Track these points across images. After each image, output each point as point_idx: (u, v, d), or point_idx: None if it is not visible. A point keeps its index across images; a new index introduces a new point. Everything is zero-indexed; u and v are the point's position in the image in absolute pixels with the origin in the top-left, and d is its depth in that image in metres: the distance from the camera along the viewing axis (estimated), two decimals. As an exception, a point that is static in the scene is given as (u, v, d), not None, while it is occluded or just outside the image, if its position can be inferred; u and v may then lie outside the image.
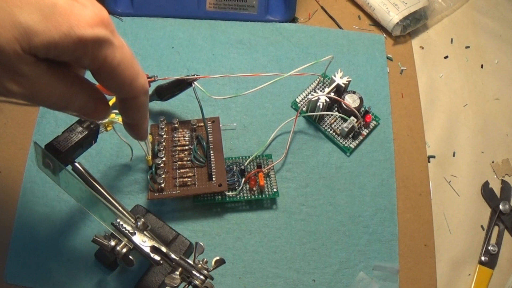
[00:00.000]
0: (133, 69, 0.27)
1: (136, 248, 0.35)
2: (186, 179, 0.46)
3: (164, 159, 0.47)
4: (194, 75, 0.47)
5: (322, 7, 0.62)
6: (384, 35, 0.61)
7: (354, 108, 0.51)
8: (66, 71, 0.26)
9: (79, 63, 0.25)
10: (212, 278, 0.35)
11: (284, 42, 0.59)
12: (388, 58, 0.59)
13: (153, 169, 0.46)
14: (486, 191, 0.51)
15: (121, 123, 0.40)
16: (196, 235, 0.47)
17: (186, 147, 0.48)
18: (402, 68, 0.58)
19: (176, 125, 0.49)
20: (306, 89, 0.55)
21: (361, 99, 0.52)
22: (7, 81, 0.23)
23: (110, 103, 0.39)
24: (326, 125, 0.53)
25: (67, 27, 0.23)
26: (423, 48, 0.61)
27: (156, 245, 0.35)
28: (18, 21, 0.22)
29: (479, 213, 0.51)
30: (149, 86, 0.50)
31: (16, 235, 0.46)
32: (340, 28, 0.61)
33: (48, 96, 0.25)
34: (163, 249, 0.35)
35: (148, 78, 0.50)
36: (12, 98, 0.25)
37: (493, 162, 0.54)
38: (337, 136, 0.52)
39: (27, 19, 0.22)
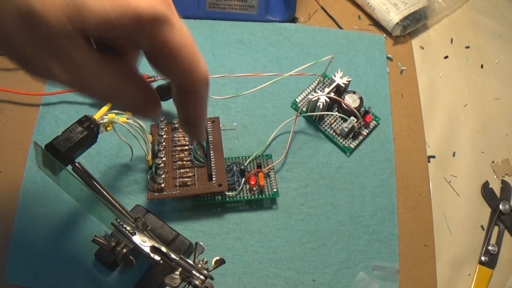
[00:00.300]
0: (195, 55, 0.24)
1: (136, 248, 0.35)
2: (186, 179, 0.46)
3: (164, 159, 0.47)
4: (194, 75, 0.47)
5: (322, 7, 0.62)
6: (384, 35, 0.61)
7: (354, 108, 0.51)
8: (117, 58, 0.24)
9: (135, 45, 0.22)
10: (212, 278, 0.35)
11: (284, 42, 0.59)
12: (388, 58, 0.59)
13: (153, 169, 0.46)
14: (486, 191, 0.51)
15: (121, 123, 0.41)
16: (196, 235, 0.47)
17: (186, 147, 0.48)
18: (402, 68, 0.58)
19: (176, 125, 0.49)
20: (306, 89, 0.55)
21: (361, 99, 0.52)
22: (52, 63, 0.21)
23: (106, 107, 0.39)
24: (326, 125, 0.53)
25: (123, 3, 0.20)
26: (423, 48, 0.61)
27: (156, 245, 0.35)
28: None
29: (479, 213, 0.51)
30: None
31: (16, 235, 0.46)
32: (340, 28, 0.61)
33: (96, 85, 0.23)
34: (163, 249, 0.35)
35: (148, 78, 0.50)
36: (55, 82, 0.22)
37: (493, 162, 0.54)
38: (337, 136, 0.52)
39: None
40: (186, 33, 0.24)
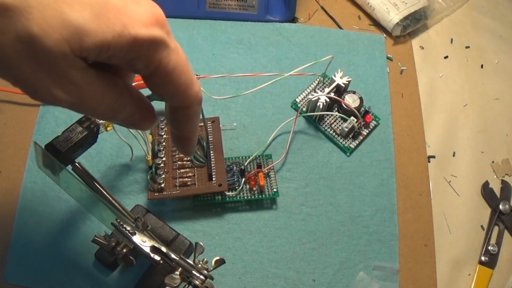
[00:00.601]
0: (188, 75, 0.25)
1: (136, 248, 0.35)
2: (186, 179, 0.46)
3: (164, 159, 0.47)
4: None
5: (322, 7, 0.62)
6: (384, 35, 0.61)
7: (354, 108, 0.51)
8: (115, 78, 0.24)
9: (131, 66, 0.23)
10: (212, 278, 0.35)
11: (284, 42, 0.59)
12: (388, 58, 0.59)
13: (153, 169, 0.46)
14: (486, 191, 0.51)
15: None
16: (196, 235, 0.47)
17: (186, 147, 0.48)
18: (402, 68, 0.58)
19: (176, 125, 0.49)
20: (306, 89, 0.55)
21: (361, 99, 0.52)
22: (54, 88, 0.21)
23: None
24: (326, 125, 0.53)
25: (120, 26, 0.21)
26: (423, 48, 0.61)
27: (156, 245, 0.35)
28: (67, 20, 0.20)
29: (479, 213, 0.51)
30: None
31: (16, 235, 0.46)
32: (340, 28, 0.61)
33: (97, 106, 0.23)
34: (163, 249, 0.35)
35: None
36: (58, 105, 0.23)
37: (493, 162, 0.54)
38: (337, 136, 0.52)
39: (78, 17, 0.20)
40: (181, 53, 0.24)
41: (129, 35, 0.21)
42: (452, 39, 0.62)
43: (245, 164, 0.49)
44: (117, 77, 0.24)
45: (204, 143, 0.48)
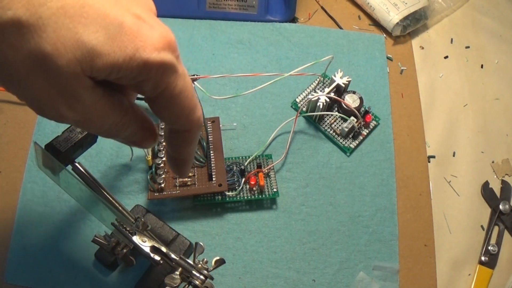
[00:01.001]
0: (193, 100, 0.25)
1: (136, 248, 0.35)
2: (186, 179, 0.46)
3: (164, 159, 0.47)
4: (194, 75, 0.47)
5: (322, 7, 0.62)
6: (384, 35, 0.61)
7: (354, 108, 0.51)
8: (120, 97, 0.24)
9: (139, 88, 0.23)
10: (212, 278, 0.35)
11: (284, 42, 0.59)
12: (388, 58, 0.59)
13: (153, 169, 0.46)
14: (486, 191, 0.51)
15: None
16: (196, 235, 0.47)
17: (186, 147, 0.48)
18: (402, 68, 0.58)
19: (176, 125, 0.49)
20: (306, 89, 0.55)
21: (361, 99, 0.52)
22: (61, 106, 0.21)
23: None
24: (326, 125, 0.53)
25: (132, 49, 0.21)
26: (423, 48, 0.61)
27: (156, 245, 0.35)
28: (81, 41, 0.19)
29: (479, 213, 0.51)
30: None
31: (16, 235, 0.46)
32: (340, 28, 0.61)
33: (101, 124, 0.23)
34: (163, 249, 0.35)
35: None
36: (62, 122, 0.23)
37: (493, 162, 0.54)
38: (337, 136, 0.52)
39: (91, 38, 0.20)
40: (187, 78, 0.24)
41: (140, 58, 0.21)
42: (452, 39, 0.62)
43: (245, 164, 0.49)
44: (122, 96, 0.25)
45: (204, 143, 0.48)
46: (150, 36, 0.21)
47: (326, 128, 0.53)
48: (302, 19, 0.61)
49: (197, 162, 0.47)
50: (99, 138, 0.39)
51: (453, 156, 0.54)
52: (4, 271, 0.44)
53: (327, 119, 0.53)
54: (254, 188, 0.48)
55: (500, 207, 0.50)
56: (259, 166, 0.48)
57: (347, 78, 0.51)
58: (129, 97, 0.27)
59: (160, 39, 0.22)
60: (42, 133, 0.51)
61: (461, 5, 0.65)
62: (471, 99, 0.57)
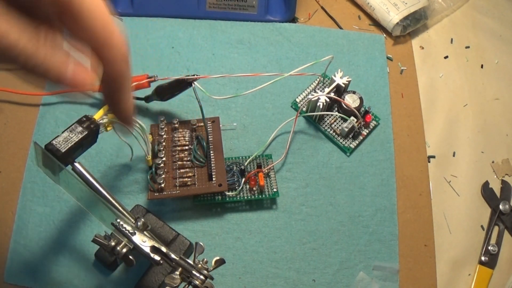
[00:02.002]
0: (106, 21, 0.23)
1: (136, 248, 0.35)
2: (186, 179, 0.46)
3: (164, 159, 0.47)
4: (194, 75, 0.47)
5: (322, 7, 0.62)
6: (384, 35, 0.61)
7: (354, 108, 0.51)
8: (38, 23, 0.22)
9: (38, 7, 0.21)
10: (212, 278, 0.35)
11: (284, 42, 0.59)
12: (388, 58, 0.59)
13: (153, 169, 0.46)
14: (486, 191, 0.51)
15: (122, 123, 0.41)
16: (196, 235, 0.47)
17: (186, 147, 0.48)
18: (402, 68, 0.58)
19: (176, 125, 0.49)
20: (306, 89, 0.55)
21: (361, 99, 0.52)
22: None
23: (107, 107, 0.39)
24: (326, 125, 0.53)
25: None
26: (423, 48, 0.61)
27: (156, 245, 0.35)
28: None
29: (479, 213, 0.51)
30: (149, 86, 0.50)
31: (16, 235, 0.46)
32: (340, 28, 0.61)
33: (13, 40, 0.21)
34: (163, 249, 0.35)
35: (148, 78, 0.50)
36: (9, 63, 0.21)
37: (493, 162, 0.54)
38: (337, 136, 0.52)
39: None
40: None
41: None
42: (452, 39, 0.62)
43: (245, 164, 0.49)
44: (51, 31, 0.23)
45: (204, 143, 0.48)
46: None
47: (326, 128, 0.53)
48: (302, 19, 0.61)
49: (197, 162, 0.47)
50: (99, 138, 0.40)
51: (453, 156, 0.54)
52: (4, 271, 0.44)
53: (327, 119, 0.53)
54: (254, 188, 0.48)
55: (500, 207, 0.50)
56: (259, 166, 0.48)
57: (347, 78, 0.51)
58: (58, 31, 0.24)
59: None
60: (42, 133, 0.51)
61: (461, 5, 0.65)
62: (471, 99, 0.57)
